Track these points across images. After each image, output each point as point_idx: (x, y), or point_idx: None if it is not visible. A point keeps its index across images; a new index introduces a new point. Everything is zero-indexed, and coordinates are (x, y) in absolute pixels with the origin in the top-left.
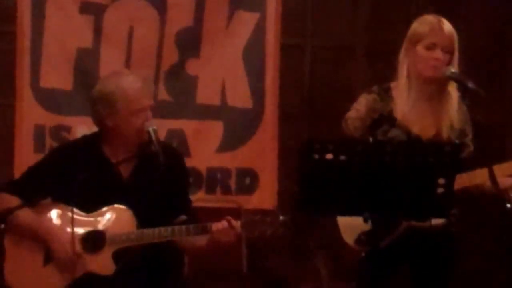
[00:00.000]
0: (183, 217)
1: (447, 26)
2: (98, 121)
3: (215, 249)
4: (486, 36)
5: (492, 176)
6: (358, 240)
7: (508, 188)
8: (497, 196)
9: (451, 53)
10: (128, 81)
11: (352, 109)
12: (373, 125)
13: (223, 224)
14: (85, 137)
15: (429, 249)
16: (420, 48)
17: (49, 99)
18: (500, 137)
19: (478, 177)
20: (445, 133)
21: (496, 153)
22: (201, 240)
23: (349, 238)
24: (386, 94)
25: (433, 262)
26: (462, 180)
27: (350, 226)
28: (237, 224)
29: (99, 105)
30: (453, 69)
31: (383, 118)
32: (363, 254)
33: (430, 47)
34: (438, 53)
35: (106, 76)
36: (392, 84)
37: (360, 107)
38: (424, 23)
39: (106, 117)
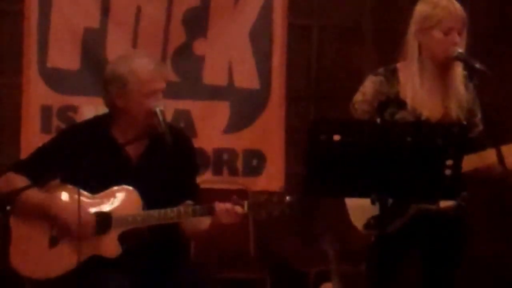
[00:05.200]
0: (189, 202)
1: (459, 8)
2: (108, 101)
3: (219, 231)
4: (490, 16)
5: (500, 157)
6: (367, 225)
7: None
8: (505, 177)
9: (462, 33)
10: (141, 63)
11: (359, 93)
12: (380, 107)
13: (226, 205)
14: (94, 118)
15: (439, 234)
16: (437, 33)
17: (56, 79)
18: (504, 117)
19: (489, 157)
20: (453, 113)
21: (502, 133)
22: (206, 223)
23: (358, 222)
24: (392, 76)
25: (443, 247)
26: (473, 161)
27: (359, 209)
28: (242, 202)
29: (111, 85)
30: (460, 49)
31: (390, 101)
32: (372, 239)
33: (448, 32)
34: (456, 37)
35: (119, 56)
36: (399, 65)
37: (366, 90)
38: (439, 7)
39: (117, 98)
